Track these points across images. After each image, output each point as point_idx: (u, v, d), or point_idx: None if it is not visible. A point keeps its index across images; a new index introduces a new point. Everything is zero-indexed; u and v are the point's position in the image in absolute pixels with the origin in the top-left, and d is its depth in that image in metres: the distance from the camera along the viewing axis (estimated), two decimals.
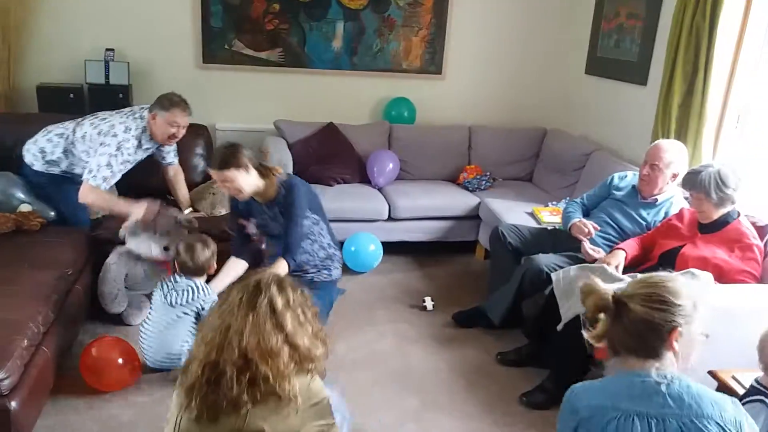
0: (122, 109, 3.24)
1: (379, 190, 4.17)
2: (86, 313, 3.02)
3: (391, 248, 4.03)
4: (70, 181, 3.19)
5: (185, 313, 2.59)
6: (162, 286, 2.63)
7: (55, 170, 3.18)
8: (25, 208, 3.07)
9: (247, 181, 2.70)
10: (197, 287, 2.61)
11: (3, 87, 3.86)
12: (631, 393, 1.37)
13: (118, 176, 3.15)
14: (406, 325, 3.27)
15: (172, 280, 2.62)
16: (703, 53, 3.17)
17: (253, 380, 1.46)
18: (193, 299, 2.58)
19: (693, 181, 2.55)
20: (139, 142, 3.16)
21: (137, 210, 3.04)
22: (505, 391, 2.74)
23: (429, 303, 3.45)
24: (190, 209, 3.52)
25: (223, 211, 3.52)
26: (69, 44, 4.02)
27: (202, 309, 2.59)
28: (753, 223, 2.60)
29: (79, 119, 3.21)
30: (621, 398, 1.37)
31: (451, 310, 3.36)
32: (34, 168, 3.16)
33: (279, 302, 1.54)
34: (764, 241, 2.55)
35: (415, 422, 2.52)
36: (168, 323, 2.58)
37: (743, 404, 1.76)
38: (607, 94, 4.26)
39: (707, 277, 2.36)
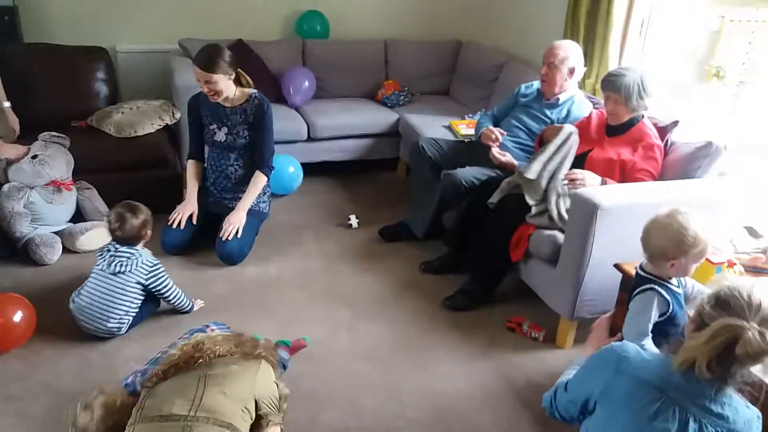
0: None
1: (296, 109, 4.08)
2: None
3: (312, 169, 4.00)
4: None
5: (126, 282, 2.42)
6: (103, 254, 2.47)
7: None
8: None
9: (227, 86, 2.89)
10: (138, 254, 2.47)
11: None
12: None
13: None
14: (333, 244, 3.31)
15: (113, 248, 2.46)
16: None
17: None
18: (136, 267, 2.43)
19: (614, 84, 2.63)
20: None
21: (6, 150, 2.97)
22: (429, 297, 2.87)
23: (354, 221, 3.50)
24: (8, 104, 3.28)
25: (133, 132, 3.36)
26: None
27: (146, 280, 2.45)
28: (654, 124, 2.75)
29: None
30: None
31: (376, 227, 3.42)
32: None
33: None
34: (665, 140, 2.71)
35: (347, 331, 2.61)
36: (108, 291, 2.40)
37: (636, 294, 1.93)
38: (518, 4, 4.27)
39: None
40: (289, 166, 3.72)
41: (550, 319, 2.62)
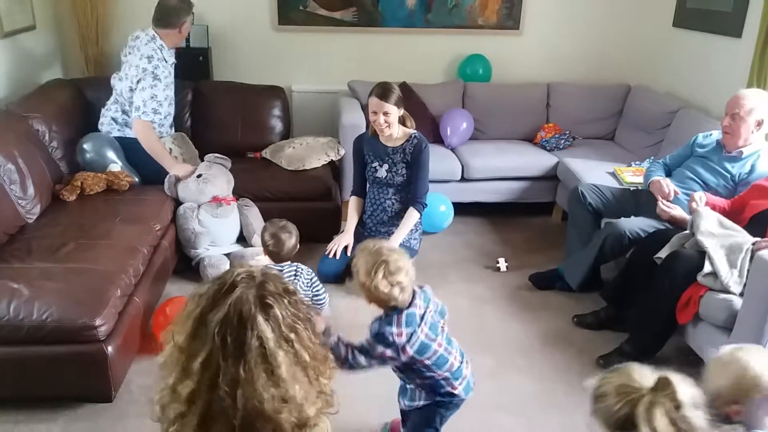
0: (133, 44, 3.39)
1: (452, 150, 4.12)
2: (173, 268, 3.15)
3: (464, 209, 3.99)
4: None
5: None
6: None
7: (130, 132, 3.36)
8: (114, 167, 3.23)
9: (396, 120, 3.04)
10: (299, 268, 2.60)
11: (92, 51, 4.03)
12: None
13: (165, 103, 3.39)
14: (480, 286, 3.26)
15: (276, 270, 2.60)
16: None
17: None
18: (301, 283, 2.55)
19: None
20: (164, 59, 3.38)
21: (177, 169, 3.27)
22: (582, 353, 2.70)
23: (503, 264, 3.42)
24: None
25: (301, 165, 3.57)
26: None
27: (310, 290, 2.57)
28: None
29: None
30: None
31: (526, 272, 3.32)
32: (113, 135, 3.37)
33: (268, 334, 1.08)
34: None
35: (491, 380, 2.53)
36: None
37: None
38: (696, 48, 4.00)
39: None
40: (440, 205, 3.74)
41: None
